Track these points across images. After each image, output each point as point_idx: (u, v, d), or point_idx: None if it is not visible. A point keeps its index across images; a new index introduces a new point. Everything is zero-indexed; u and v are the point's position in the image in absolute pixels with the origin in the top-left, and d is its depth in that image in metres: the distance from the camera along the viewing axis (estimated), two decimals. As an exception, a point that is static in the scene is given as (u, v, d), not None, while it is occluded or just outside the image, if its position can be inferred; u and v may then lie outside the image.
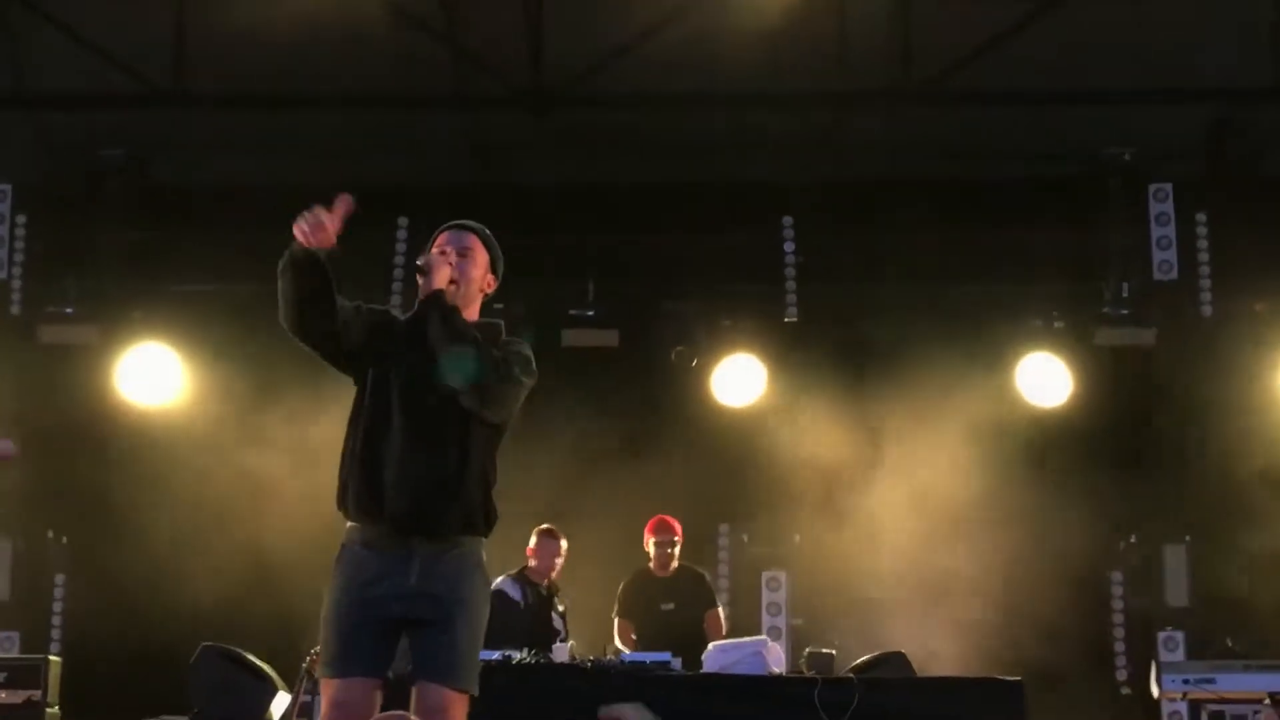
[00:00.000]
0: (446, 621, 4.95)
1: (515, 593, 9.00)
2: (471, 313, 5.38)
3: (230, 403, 10.22)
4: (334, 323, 5.11)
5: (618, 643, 9.17)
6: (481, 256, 5.37)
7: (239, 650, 8.41)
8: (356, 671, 4.95)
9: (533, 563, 9.01)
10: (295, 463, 9.86)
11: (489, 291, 5.46)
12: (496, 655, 8.13)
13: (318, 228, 4.96)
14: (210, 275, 10.35)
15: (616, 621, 9.37)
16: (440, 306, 5.16)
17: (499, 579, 8.81)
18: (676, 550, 9.42)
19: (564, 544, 9.10)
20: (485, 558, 5.06)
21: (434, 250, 5.33)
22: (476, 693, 4.93)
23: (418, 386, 5.17)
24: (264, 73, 9.71)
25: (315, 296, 4.99)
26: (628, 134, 10.34)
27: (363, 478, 5.08)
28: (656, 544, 9.42)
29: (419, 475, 5.06)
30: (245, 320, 10.26)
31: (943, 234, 10.38)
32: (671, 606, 9.34)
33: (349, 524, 5.13)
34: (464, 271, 5.27)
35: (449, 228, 5.45)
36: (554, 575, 9.09)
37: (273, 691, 8.14)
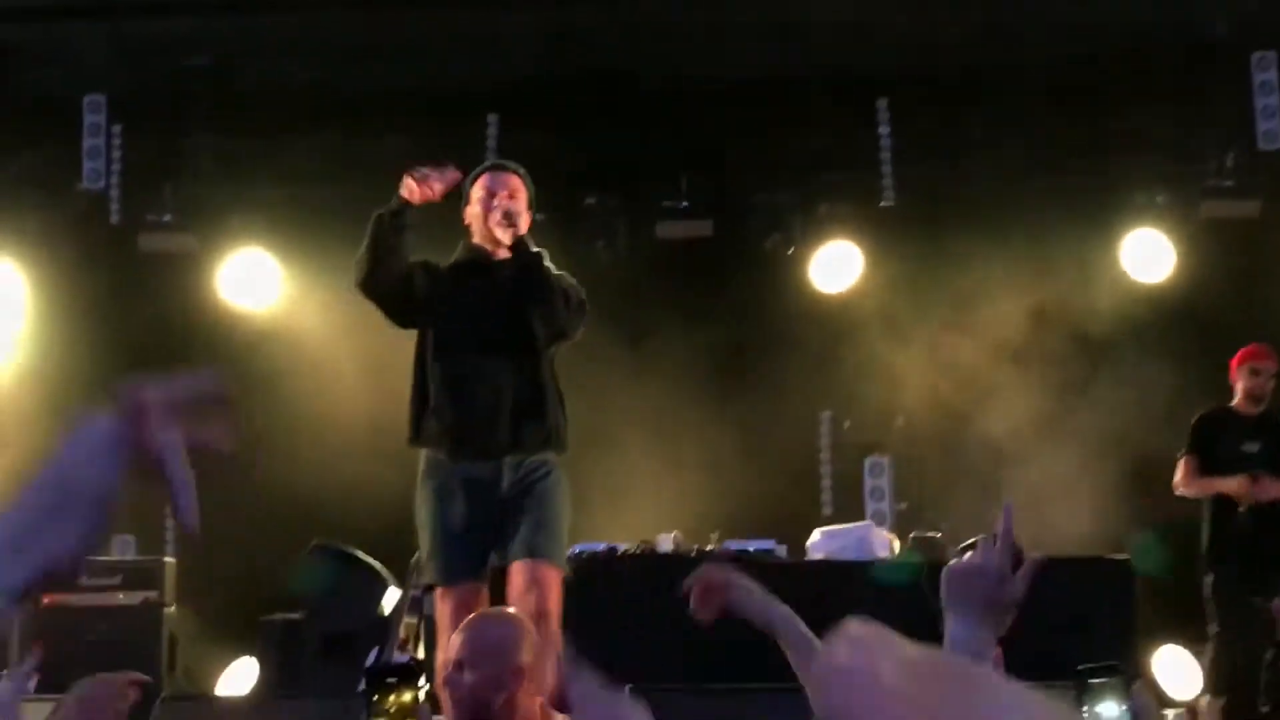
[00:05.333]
0: (536, 514, 5.54)
1: None
2: None
3: (330, 305, 10.30)
4: (400, 280, 5.74)
5: (1179, 479, 8.16)
6: (525, 195, 5.81)
7: (349, 548, 8.53)
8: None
9: None
10: (399, 363, 9.93)
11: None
12: (601, 546, 8.21)
13: (424, 184, 5.60)
14: (304, 179, 10.38)
15: (1183, 460, 8.19)
16: (531, 261, 5.49)
17: None
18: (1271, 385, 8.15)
19: None
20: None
21: (482, 192, 5.62)
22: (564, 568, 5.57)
23: (491, 326, 5.55)
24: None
25: (392, 253, 5.48)
26: (714, 22, 10.20)
27: (451, 416, 5.44)
28: (1252, 371, 8.19)
29: (505, 407, 5.47)
30: (340, 223, 10.31)
31: (1038, 113, 10.22)
32: (1256, 449, 8.09)
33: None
34: (518, 212, 5.66)
35: (488, 170, 5.84)
36: None
37: (384, 587, 8.26)
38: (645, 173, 10.52)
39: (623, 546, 8.29)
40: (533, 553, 5.48)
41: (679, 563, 8.06)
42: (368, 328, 10.11)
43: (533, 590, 5.41)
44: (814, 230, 10.47)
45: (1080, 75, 10.20)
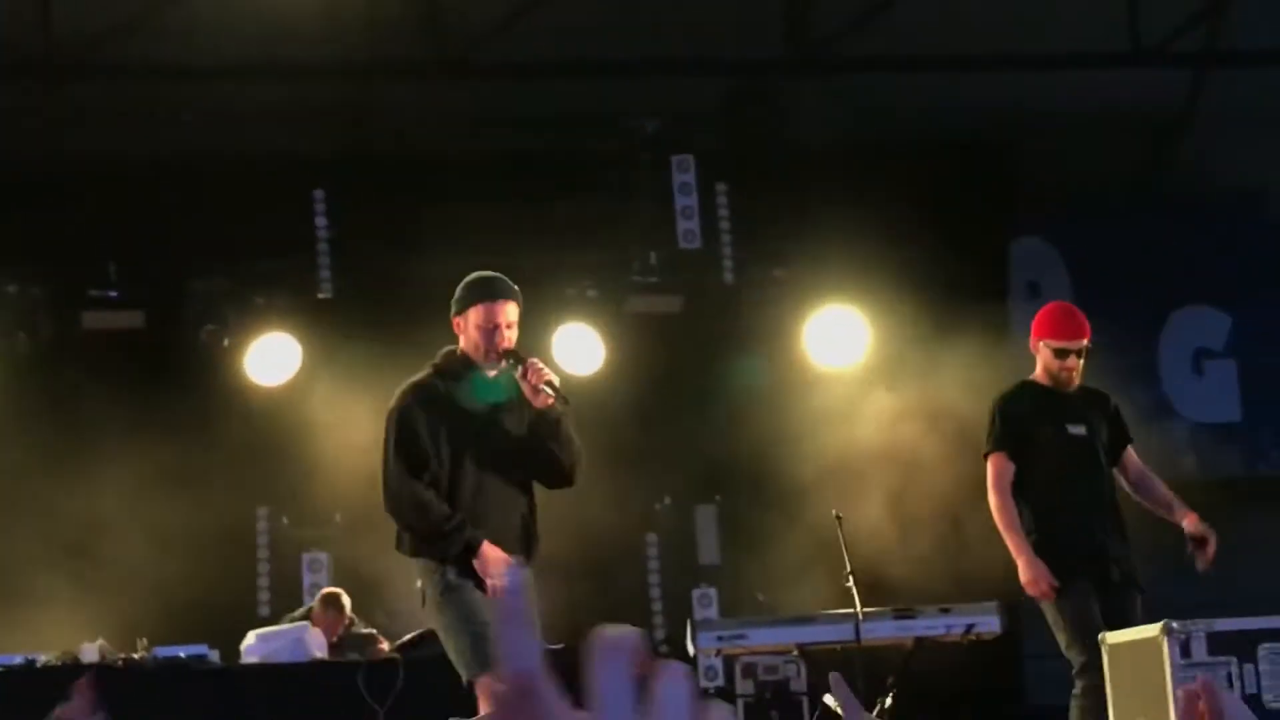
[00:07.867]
0: None
1: None
2: None
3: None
4: None
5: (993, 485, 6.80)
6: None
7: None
8: None
9: None
10: None
11: None
12: (19, 659, 7.80)
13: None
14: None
15: (994, 459, 6.82)
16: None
17: None
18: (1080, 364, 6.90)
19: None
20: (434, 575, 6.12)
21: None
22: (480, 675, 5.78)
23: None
24: None
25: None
26: (146, 107, 9.92)
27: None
28: (1058, 351, 6.85)
29: None
30: None
31: (476, 205, 10.40)
32: (1082, 431, 6.95)
33: None
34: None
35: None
36: None
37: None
38: (71, 259, 10.07)
39: (43, 658, 7.89)
40: None
41: (105, 672, 7.73)
42: None
43: None
44: (250, 321, 10.28)
45: (520, 166, 10.48)
